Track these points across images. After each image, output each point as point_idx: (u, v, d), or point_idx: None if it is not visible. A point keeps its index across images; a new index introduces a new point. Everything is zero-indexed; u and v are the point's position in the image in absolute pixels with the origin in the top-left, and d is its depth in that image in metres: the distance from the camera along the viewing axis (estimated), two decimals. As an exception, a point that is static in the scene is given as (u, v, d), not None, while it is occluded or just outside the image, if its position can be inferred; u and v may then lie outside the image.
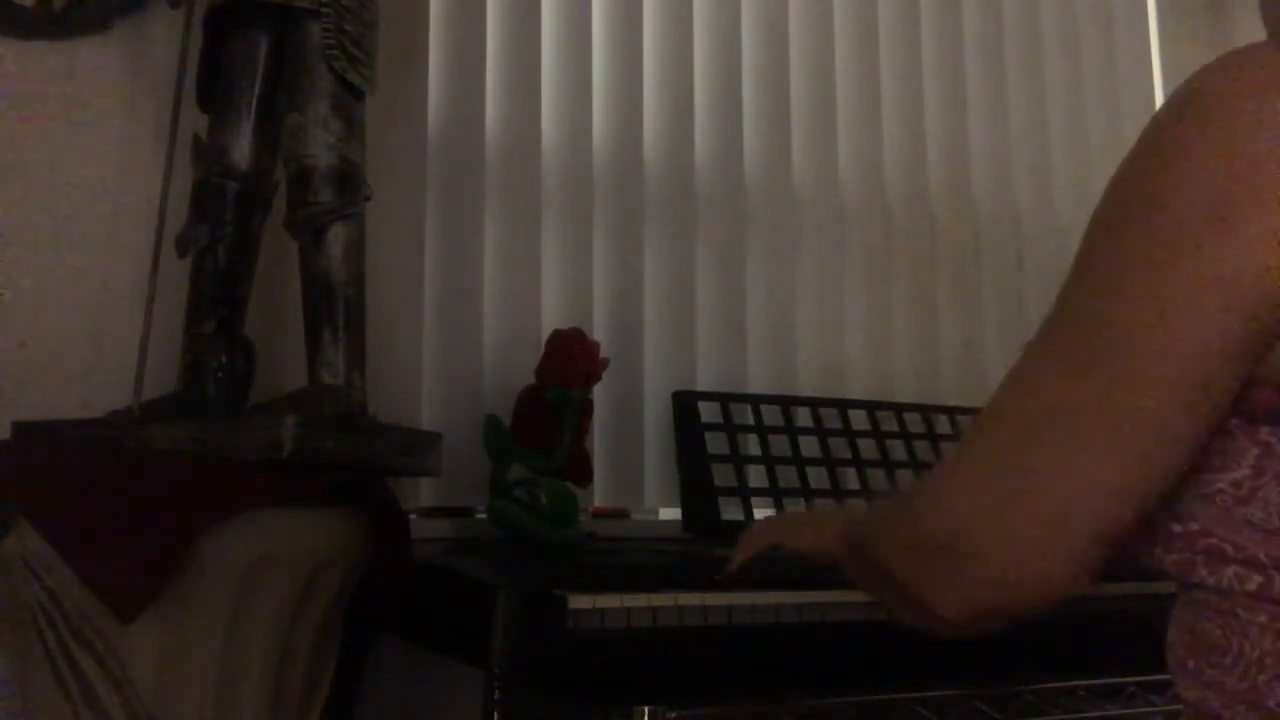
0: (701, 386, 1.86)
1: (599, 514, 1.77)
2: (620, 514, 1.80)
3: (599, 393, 1.65)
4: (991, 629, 0.69)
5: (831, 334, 2.03)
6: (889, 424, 1.91)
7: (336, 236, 1.39)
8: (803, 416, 1.86)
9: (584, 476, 1.63)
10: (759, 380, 1.94)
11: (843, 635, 1.21)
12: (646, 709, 1.08)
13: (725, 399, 1.81)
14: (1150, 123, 0.68)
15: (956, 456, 0.72)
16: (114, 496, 1.16)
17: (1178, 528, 0.67)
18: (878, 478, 1.84)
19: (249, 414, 1.36)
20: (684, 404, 1.77)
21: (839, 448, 1.84)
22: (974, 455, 0.71)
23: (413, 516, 1.56)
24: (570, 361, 1.59)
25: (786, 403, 1.86)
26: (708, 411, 1.78)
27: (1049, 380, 0.68)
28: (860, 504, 1.11)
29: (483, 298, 1.77)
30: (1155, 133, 0.67)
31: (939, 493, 0.72)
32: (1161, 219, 0.64)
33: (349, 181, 1.41)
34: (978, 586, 0.68)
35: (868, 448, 1.86)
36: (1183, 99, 0.66)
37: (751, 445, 1.79)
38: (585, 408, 1.60)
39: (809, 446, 1.82)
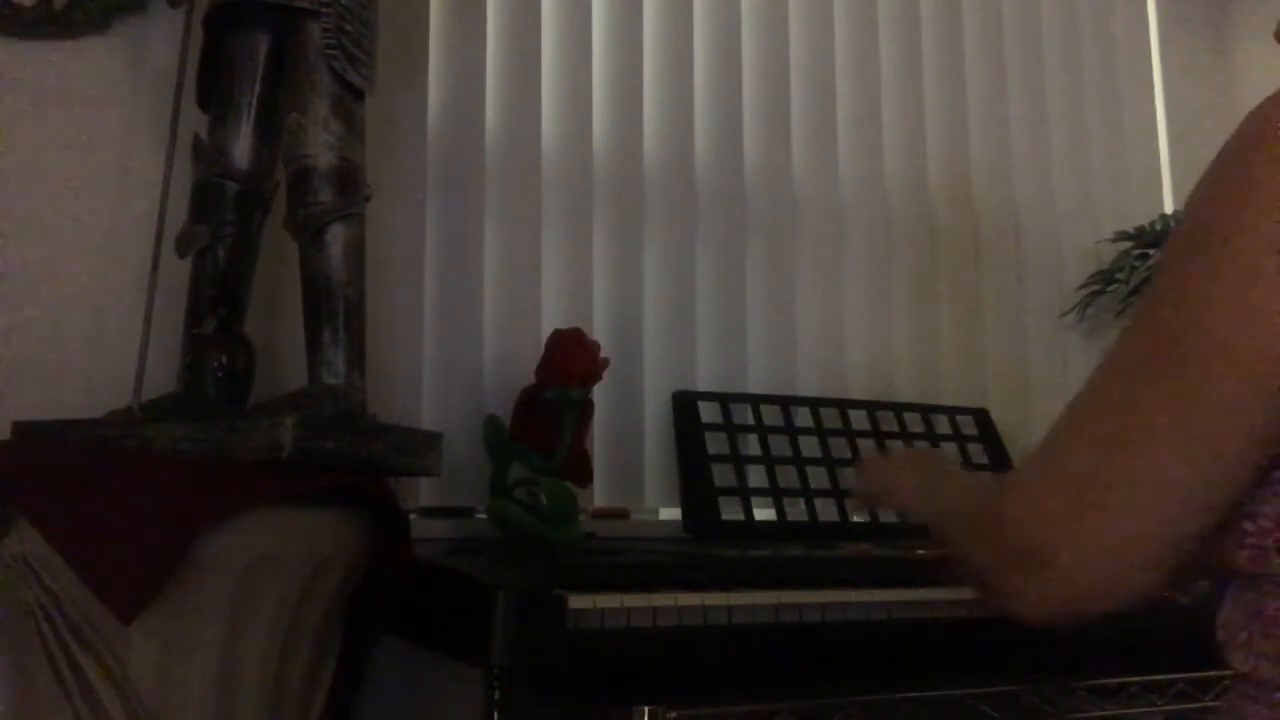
0: (701, 386, 1.86)
1: (599, 514, 1.77)
2: (620, 514, 1.80)
3: (599, 393, 1.65)
4: (1066, 626, 0.72)
5: (831, 334, 2.03)
6: (889, 424, 1.91)
7: (336, 236, 1.39)
8: (803, 416, 1.86)
9: (584, 476, 1.63)
10: (759, 380, 1.94)
11: (842, 635, 1.20)
12: (646, 709, 1.08)
13: (725, 399, 1.81)
14: (1225, 148, 0.70)
15: (1038, 464, 0.75)
16: (114, 496, 1.16)
17: (1250, 525, 0.70)
18: (878, 478, 1.84)
19: (249, 414, 1.36)
20: (684, 404, 1.77)
21: (839, 448, 1.84)
22: (1053, 465, 0.74)
23: (413, 516, 1.56)
24: (570, 361, 1.59)
25: (786, 403, 1.86)
26: (708, 411, 1.78)
27: (1124, 393, 0.70)
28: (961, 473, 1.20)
29: (483, 298, 1.78)
30: (1228, 160, 0.69)
31: (1020, 498, 0.75)
32: (1235, 246, 0.66)
33: (349, 181, 1.41)
34: (1053, 589, 0.71)
35: (868, 448, 1.86)
36: (1255, 129, 0.68)
37: (751, 445, 1.79)
38: (585, 408, 1.60)
39: (809, 446, 1.82)
